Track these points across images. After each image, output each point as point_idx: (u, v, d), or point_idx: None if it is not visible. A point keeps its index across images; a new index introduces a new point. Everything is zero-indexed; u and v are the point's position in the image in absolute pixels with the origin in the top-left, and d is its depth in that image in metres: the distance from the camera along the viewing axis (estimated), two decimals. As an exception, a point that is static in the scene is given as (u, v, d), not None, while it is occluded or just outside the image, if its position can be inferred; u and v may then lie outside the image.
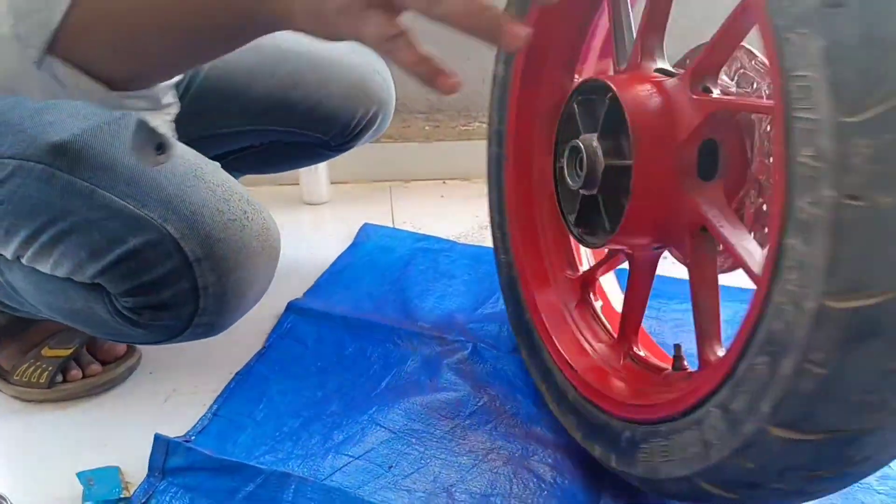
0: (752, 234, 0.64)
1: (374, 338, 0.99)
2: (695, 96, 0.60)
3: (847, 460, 0.48)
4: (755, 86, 0.65)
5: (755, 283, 0.55)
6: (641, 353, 0.78)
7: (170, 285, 0.68)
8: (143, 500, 0.73)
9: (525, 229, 0.89)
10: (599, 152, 0.65)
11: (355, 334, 1.00)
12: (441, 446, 0.81)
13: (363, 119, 1.02)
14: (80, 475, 0.76)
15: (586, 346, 0.82)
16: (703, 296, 0.66)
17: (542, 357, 0.85)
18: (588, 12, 0.82)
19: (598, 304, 0.87)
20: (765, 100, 0.63)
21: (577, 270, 0.89)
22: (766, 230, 0.64)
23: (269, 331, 1.01)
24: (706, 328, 0.65)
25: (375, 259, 1.19)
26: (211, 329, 0.75)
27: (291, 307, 1.04)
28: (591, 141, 0.66)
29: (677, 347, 0.73)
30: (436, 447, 0.81)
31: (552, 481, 0.77)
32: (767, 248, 0.49)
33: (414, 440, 0.82)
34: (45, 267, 0.71)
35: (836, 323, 0.42)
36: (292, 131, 0.99)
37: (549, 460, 0.80)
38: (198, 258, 0.67)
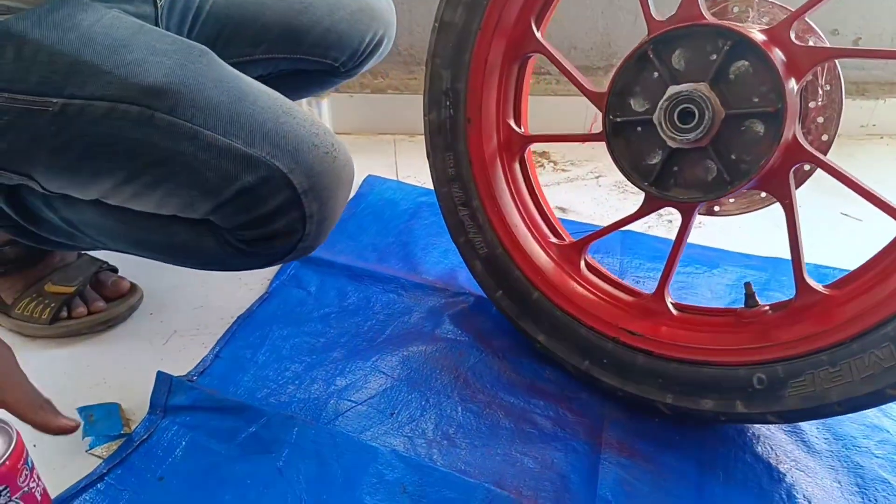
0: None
1: (377, 288, 0.98)
2: (800, 45, 0.65)
3: None
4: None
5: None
6: (684, 305, 0.79)
7: (282, 216, 0.71)
8: (143, 437, 0.73)
9: (501, 199, 0.86)
10: (716, 102, 0.66)
11: (358, 283, 0.99)
12: (443, 395, 0.81)
13: (371, 42, 1.00)
14: (80, 410, 0.75)
15: (625, 307, 0.80)
16: (798, 229, 0.69)
17: (577, 335, 0.80)
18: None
19: (596, 266, 0.86)
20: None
21: (563, 238, 0.87)
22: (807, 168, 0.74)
23: (272, 277, 1.00)
24: (801, 260, 0.69)
25: (379, 211, 1.18)
26: (309, 250, 0.78)
27: (294, 254, 1.03)
28: (701, 91, 0.66)
29: (748, 286, 0.74)
30: (437, 396, 0.81)
31: (553, 434, 0.77)
32: None
33: (416, 389, 0.82)
34: (146, 206, 0.71)
35: None
36: (303, 58, 0.97)
37: (552, 413, 0.80)
38: (304, 190, 0.71)
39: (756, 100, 0.65)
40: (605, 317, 0.78)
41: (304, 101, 1.33)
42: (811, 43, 0.71)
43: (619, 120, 0.73)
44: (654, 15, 0.72)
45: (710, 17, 0.68)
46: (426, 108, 0.87)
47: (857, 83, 1.50)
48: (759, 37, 0.66)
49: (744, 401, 0.69)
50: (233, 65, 0.97)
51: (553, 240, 0.87)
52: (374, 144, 1.45)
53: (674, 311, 0.77)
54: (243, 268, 0.80)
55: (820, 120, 0.72)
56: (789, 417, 0.67)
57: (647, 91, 0.71)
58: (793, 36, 0.65)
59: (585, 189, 1.30)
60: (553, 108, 1.44)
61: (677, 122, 0.68)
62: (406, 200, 1.21)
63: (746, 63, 0.65)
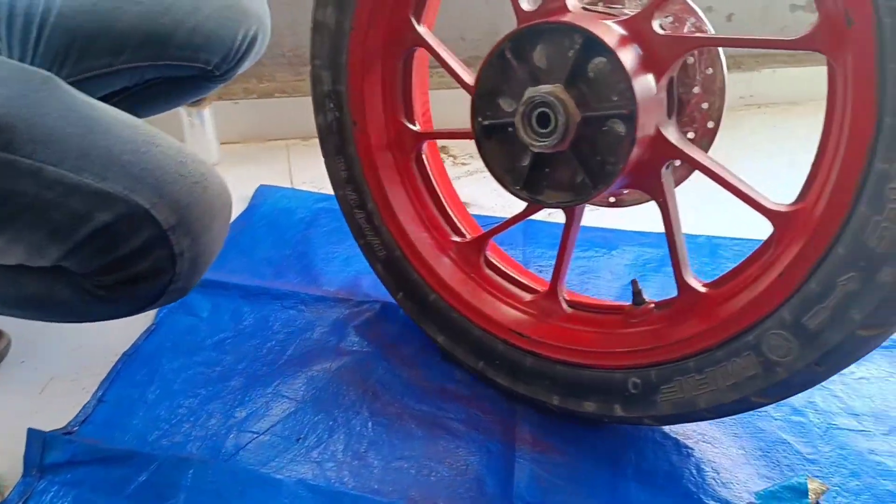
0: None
1: (275, 305, 0.94)
2: (664, 34, 0.61)
3: None
4: (669, 20, 0.68)
5: (769, 217, 0.61)
6: (578, 300, 0.78)
7: (146, 256, 0.66)
8: (19, 503, 0.66)
9: (396, 200, 0.82)
10: (571, 105, 0.62)
11: (255, 303, 0.94)
12: (352, 412, 0.78)
13: (244, 40, 0.92)
14: (-59, 482, 0.67)
15: (519, 306, 0.79)
16: (677, 228, 0.67)
17: (471, 337, 0.80)
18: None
19: (495, 262, 0.84)
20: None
21: (464, 235, 0.85)
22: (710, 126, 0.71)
23: (159, 305, 0.93)
24: (683, 258, 0.68)
25: (274, 222, 1.13)
26: (182, 293, 0.72)
27: (183, 279, 0.96)
28: (555, 93, 0.61)
29: (634, 283, 0.73)
30: (346, 414, 0.78)
31: (467, 437, 0.75)
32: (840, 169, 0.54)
33: (323, 409, 0.78)
34: None
35: None
36: (171, 64, 0.89)
37: (464, 416, 0.78)
38: (171, 226, 0.66)
39: (615, 99, 0.61)
40: (496, 318, 0.77)
41: (182, 111, 1.25)
42: (688, 27, 0.68)
43: (486, 123, 0.68)
44: (522, 5, 0.68)
45: (573, 8, 0.65)
46: (314, 111, 0.83)
47: (734, 56, 1.57)
48: (612, 31, 0.61)
49: (622, 404, 0.69)
50: (93, 78, 0.88)
51: (455, 238, 0.85)
52: (266, 152, 1.38)
53: (566, 309, 0.77)
54: (107, 317, 0.74)
55: (704, 106, 0.70)
56: (665, 421, 0.68)
57: (513, 91, 0.67)
58: (656, 25, 0.62)
59: (486, 181, 1.28)
60: (453, 101, 1.41)
61: (536, 127, 0.63)
62: (302, 208, 1.16)
63: (603, 60, 0.61)
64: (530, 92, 0.63)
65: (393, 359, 0.86)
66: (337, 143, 0.83)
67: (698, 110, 0.70)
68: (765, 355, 0.60)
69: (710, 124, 0.70)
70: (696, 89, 0.69)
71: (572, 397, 0.72)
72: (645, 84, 0.61)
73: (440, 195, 0.87)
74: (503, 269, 0.84)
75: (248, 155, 1.36)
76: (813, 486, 0.68)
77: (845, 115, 0.53)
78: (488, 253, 0.84)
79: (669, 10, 0.68)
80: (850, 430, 0.75)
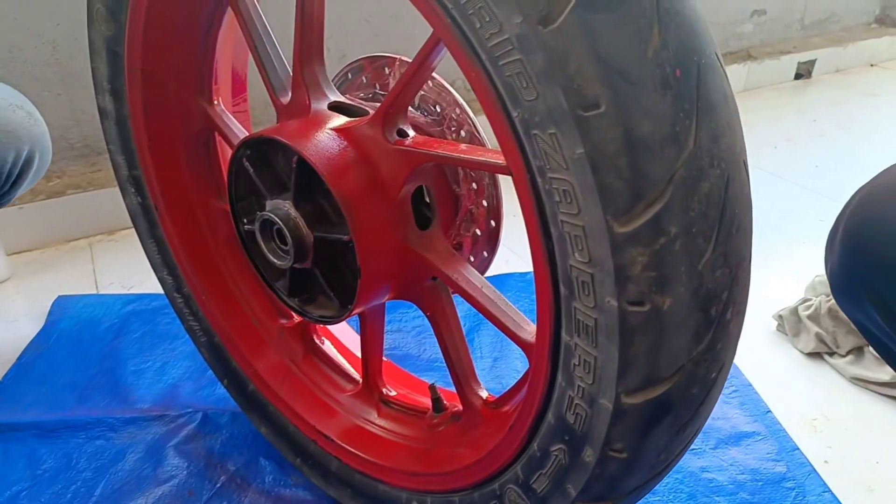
0: (473, 259, 0.62)
1: (79, 438, 0.84)
2: (395, 146, 0.52)
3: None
4: (438, 108, 0.60)
5: (524, 349, 0.52)
6: (393, 394, 0.72)
7: None
8: None
9: (212, 285, 0.76)
10: (302, 224, 0.55)
11: (54, 441, 0.83)
12: (175, 546, 0.71)
13: (17, 163, 0.86)
14: None
15: (332, 404, 0.74)
16: (452, 342, 0.60)
17: (287, 432, 0.75)
18: (205, 27, 0.68)
19: (327, 347, 0.79)
20: (453, 132, 0.58)
21: (291, 317, 0.79)
22: (486, 255, 0.63)
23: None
24: (462, 373, 0.61)
25: (77, 338, 1.02)
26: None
27: (-38, 428, 0.84)
28: (286, 210, 0.55)
29: (432, 389, 0.67)
30: (166, 550, 0.70)
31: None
32: (535, 331, 0.46)
33: (137, 551, 0.70)
34: None
35: (633, 415, 0.41)
36: None
37: (302, 522, 0.73)
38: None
39: (336, 223, 0.54)
40: (307, 417, 0.72)
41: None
42: (456, 113, 0.60)
43: (247, 227, 0.61)
44: (279, 97, 0.60)
45: (316, 105, 0.57)
46: (121, 192, 0.78)
47: None
48: (329, 149, 0.52)
49: None
50: None
51: (282, 321, 0.79)
52: (65, 255, 1.26)
53: (378, 407, 0.72)
54: None
55: (484, 203, 0.60)
56: None
57: (259, 200, 0.60)
58: (390, 134, 0.52)
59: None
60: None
61: (278, 242, 0.57)
62: (109, 316, 1.06)
63: (319, 181, 0.53)
64: (268, 206, 0.57)
65: (219, 477, 0.79)
66: (146, 226, 0.78)
67: (477, 208, 0.61)
68: None
69: (493, 223, 0.61)
70: (473, 185, 0.60)
71: None
72: (369, 206, 0.52)
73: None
74: (331, 356, 0.79)
75: (44, 263, 1.24)
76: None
77: (535, 260, 0.44)
78: (317, 338, 0.79)
79: (434, 101, 0.61)
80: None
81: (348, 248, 0.55)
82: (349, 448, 0.68)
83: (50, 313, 1.08)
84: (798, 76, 2.06)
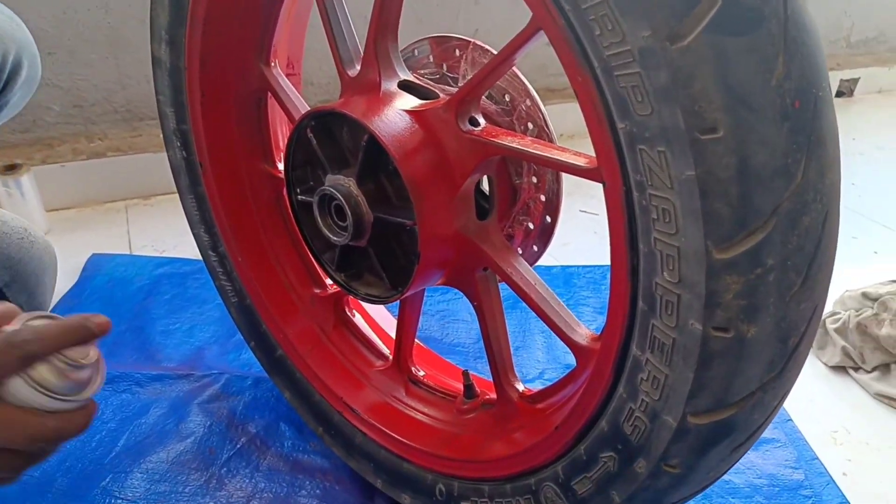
0: (521, 252, 0.62)
1: (105, 390, 0.84)
2: (467, 134, 0.51)
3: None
4: (507, 98, 0.59)
5: (574, 351, 0.52)
6: (422, 374, 0.72)
7: None
8: None
9: (248, 247, 0.75)
10: (363, 203, 0.55)
11: (82, 391, 0.84)
12: (194, 503, 0.71)
13: (5, 65, 0.81)
14: None
15: (360, 377, 0.74)
16: (495, 332, 0.61)
17: (312, 400, 0.75)
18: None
19: (357, 320, 0.80)
20: (522, 125, 0.58)
21: (325, 287, 0.79)
22: (536, 249, 0.63)
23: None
24: (501, 364, 0.61)
25: (109, 295, 1.03)
26: None
27: (-6, 371, 0.85)
28: (348, 187, 0.55)
29: (465, 375, 0.67)
30: (187, 507, 0.71)
31: (320, 517, 0.71)
32: (603, 338, 0.46)
33: (159, 505, 0.71)
34: None
35: (696, 434, 0.41)
36: None
37: (318, 491, 0.74)
38: (6, 283, 0.65)
39: (400, 206, 0.54)
40: (334, 387, 0.73)
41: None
42: (526, 105, 0.59)
43: (301, 199, 0.62)
44: (347, 70, 0.59)
45: (386, 83, 0.56)
46: (165, 145, 0.77)
47: (566, 88, 1.64)
48: (401, 130, 0.52)
49: None
50: None
51: (316, 290, 0.79)
52: (101, 216, 1.27)
53: (407, 386, 0.72)
54: None
55: (542, 198, 0.60)
56: None
57: (319, 173, 0.60)
58: (462, 121, 0.51)
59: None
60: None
61: (335, 218, 0.57)
62: (141, 276, 1.07)
63: (388, 162, 0.53)
64: (328, 181, 0.57)
65: (240, 438, 0.80)
66: (187, 182, 0.77)
67: (533, 202, 0.61)
68: None
69: (549, 219, 0.61)
70: (531, 179, 0.60)
71: (393, 486, 0.69)
72: (436, 192, 0.52)
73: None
74: (362, 329, 0.79)
75: (80, 221, 1.25)
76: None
77: (614, 272, 0.44)
78: (348, 310, 0.79)
79: (504, 90, 0.60)
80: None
81: (407, 231, 0.55)
82: (375, 423, 0.69)
83: (84, 269, 1.08)
84: (840, 94, 2.03)
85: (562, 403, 0.56)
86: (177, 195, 0.79)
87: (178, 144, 0.75)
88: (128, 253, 1.15)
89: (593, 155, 0.41)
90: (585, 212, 1.28)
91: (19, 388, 0.44)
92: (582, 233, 1.22)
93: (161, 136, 0.78)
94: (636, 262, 0.39)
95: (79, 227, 1.23)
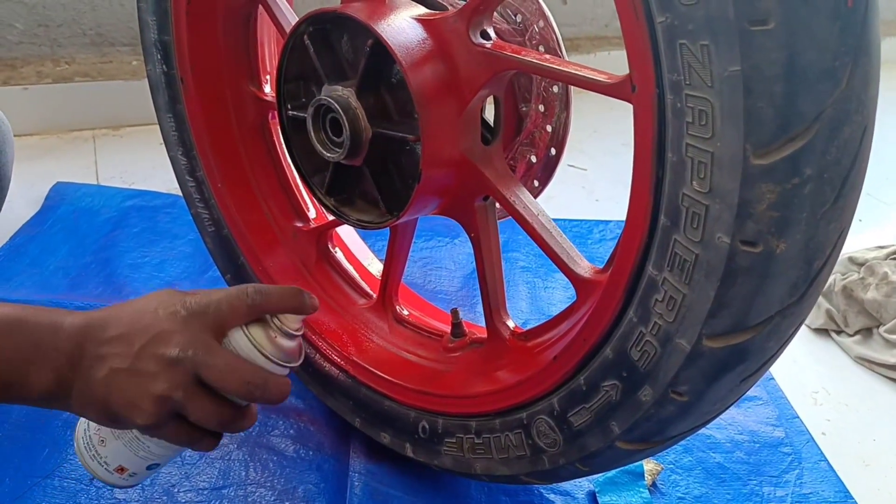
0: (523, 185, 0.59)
1: (69, 322, 0.80)
2: (479, 47, 0.48)
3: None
4: (518, 18, 0.57)
5: (575, 284, 0.51)
6: (406, 314, 0.70)
7: None
8: None
9: (229, 173, 0.71)
10: (362, 116, 0.51)
11: (43, 321, 0.80)
12: (162, 441, 0.68)
13: None
14: None
15: (342, 314, 0.71)
16: (490, 267, 0.59)
17: None
18: None
19: (339, 255, 0.77)
20: (534, 46, 0.55)
21: (308, 220, 0.76)
22: (538, 184, 0.61)
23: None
24: (494, 300, 0.60)
25: (73, 225, 0.98)
26: None
27: (-53, 298, 0.80)
28: (347, 98, 0.51)
29: (454, 313, 0.65)
30: (154, 444, 0.68)
31: (295, 455, 0.69)
32: (616, 260, 0.43)
33: (125, 441, 0.68)
34: None
35: (709, 359, 0.39)
36: None
37: (292, 431, 0.72)
38: None
39: (403, 120, 0.51)
40: (314, 324, 0.69)
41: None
42: (539, 26, 0.56)
43: (291, 114, 0.58)
44: None
45: None
46: (144, 58, 0.71)
47: (572, 39, 1.61)
48: (409, 37, 0.49)
49: (412, 445, 0.63)
50: None
51: (298, 223, 0.76)
52: (67, 144, 1.20)
53: (391, 324, 0.70)
54: None
55: (548, 129, 0.58)
56: (450, 472, 0.63)
57: (314, 84, 0.56)
58: (474, 34, 0.48)
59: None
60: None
61: (330, 133, 0.54)
62: (108, 207, 1.02)
63: (394, 72, 0.50)
64: (325, 91, 0.53)
65: (212, 375, 0.77)
66: (166, 99, 0.71)
67: (539, 132, 0.58)
68: (533, 439, 0.54)
69: (553, 151, 0.59)
70: (539, 107, 0.57)
71: (372, 425, 0.67)
72: (443, 107, 0.50)
73: (289, 173, 0.76)
74: (344, 266, 0.76)
75: (44, 149, 1.18)
76: (648, 466, 0.69)
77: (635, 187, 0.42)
78: (331, 245, 0.76)
79: (516, 9, 0.57)
80: (675, 407, 0.78)
81: (407, 150, 0.52)
82: (357, 360, 0.66)
83: (47, 198, 1.03)
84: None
85: (556, 339, 0.54)
86: (148, 127, 0.74)
87: (159, 57, 0.70)
88: (94, 183, 1.09)
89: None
90: (574, 167, 1.26)
91: (240, 340, 0.48)
92: (569, 187, 1.20)
93: (132, 63, 0.73)
94: (661, 174, 0.37)
95: (42, 154, 1.16)
